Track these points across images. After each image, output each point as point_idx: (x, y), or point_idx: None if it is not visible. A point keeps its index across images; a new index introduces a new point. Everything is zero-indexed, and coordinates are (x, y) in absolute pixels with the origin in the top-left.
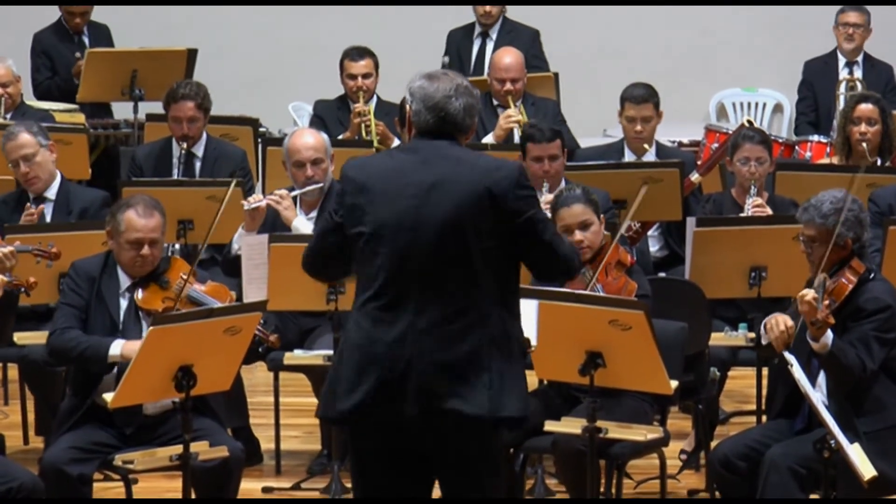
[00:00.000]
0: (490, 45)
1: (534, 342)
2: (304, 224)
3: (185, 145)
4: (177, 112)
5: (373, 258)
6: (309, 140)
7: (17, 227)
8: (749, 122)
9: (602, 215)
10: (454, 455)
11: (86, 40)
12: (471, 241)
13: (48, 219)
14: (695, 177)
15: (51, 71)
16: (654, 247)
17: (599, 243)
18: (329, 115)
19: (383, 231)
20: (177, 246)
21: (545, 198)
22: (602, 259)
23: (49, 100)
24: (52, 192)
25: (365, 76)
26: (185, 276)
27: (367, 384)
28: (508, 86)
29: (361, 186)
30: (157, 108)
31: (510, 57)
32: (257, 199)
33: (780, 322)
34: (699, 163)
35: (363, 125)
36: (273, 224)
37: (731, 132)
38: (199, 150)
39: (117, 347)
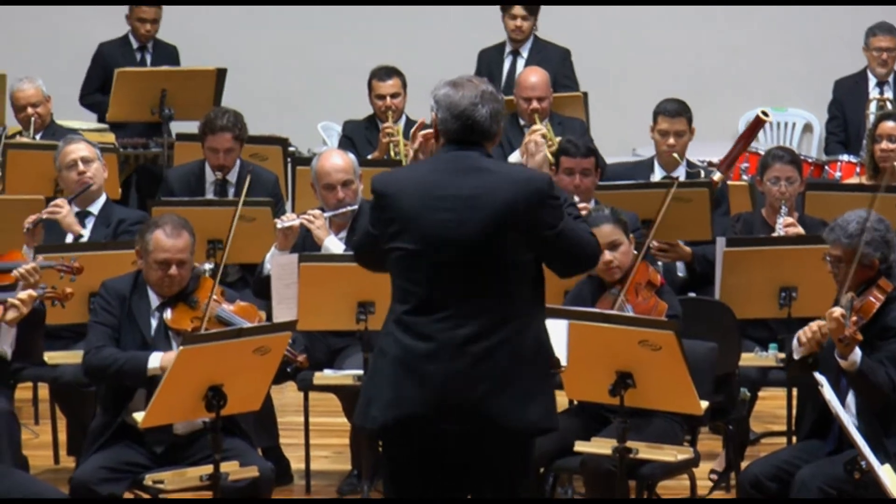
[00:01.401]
0: (521, 64)
1: (564, 362)
2: (335, 244)
3: (220, 175)
4: (213, 143)
5: (410, 271)
6: (338, 162)
7: (49, 247)
8: (764, 112)
9: (631, 235)
10: (489, 466)
11: (148, 58)
12: (506, 254)
13: (87, 233)
14: (717, 176)
15: (101, 82)
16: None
17: (629, 263)
18: (358, 135)
19: (420, 245)
20: (207, 266)
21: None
22: (631, 279)
23: (92, 111)
24: (95, 208)
25: (393, 96)
26: (213, 296)
27: (406, 397)
28: (534, 104)
29: (393, 200)
30: (186, 127)
31: (536, 76)
32: (290, 219)
33: (812, 325)
34: (719, 160)
35: (391, 145)
36: (304, 244)
37: (760, 151)
38: (233, 176)
39: (156, 360)
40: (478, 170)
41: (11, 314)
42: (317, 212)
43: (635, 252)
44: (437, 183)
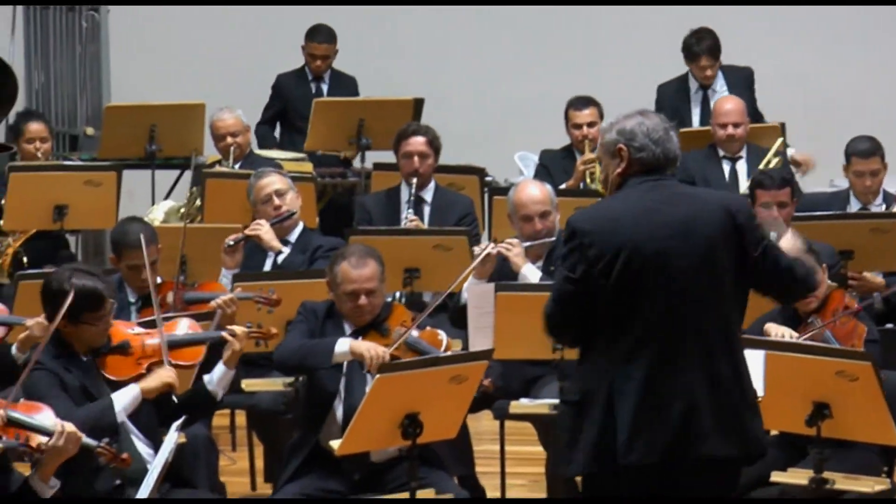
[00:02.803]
0: (714, 98)
1: (760, 392)
2: (532, 272)
3: (414, 182)
4: (407, 147)
5: (630, 305)
6: (535, 193)
7: (246, 276)
8: None
9: (824, 265)
10: (706, 492)
11: (324, 88)
12: (724, 279)
13: (279, 260)
14: None
15: (276, 112)
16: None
17: (824, 294)
18: (554, 165)
19: (639, 276)
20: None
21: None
22: (829, 307)
23: (264, 142)
24: (293, 236)
25: (590, 125)
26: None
27: (649, 437)
28: (730, 130)
29: (602, 234)
30: (383, 157)
31: (731, 103)
32: (488, 247)
33: None
34: None
35: (588, 173)
36: (500, 272)
37: None
38: (428, 195)
39: (345, 344)
40: (682, 195)
41: (228, 353)
42: (514, 240)
43: (832, 283)
44: (652, 209)
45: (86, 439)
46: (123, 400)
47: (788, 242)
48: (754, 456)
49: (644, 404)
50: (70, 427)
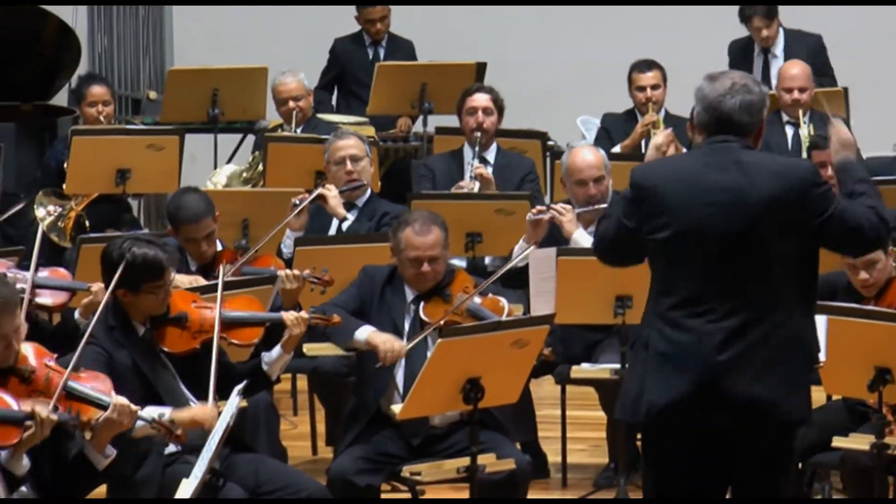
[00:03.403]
0: (772, 61)
1: (822, 357)
2: (584, 237)
3: (478, 136)
4: (472, 103)
5: (673, 265)
6: (590, 158)
7: (309, 240)
8: None
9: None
10: (755, 457)
11: (381, 53)
12: (770, 246)
13: (344, 227)
14: None
15: (333, 78)
16: None
17: (885, 279)
18: (616, 129)
19: (684, 238)
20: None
21: None
22: (889, 292)
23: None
24: (360, 201)
25: (653, 87)
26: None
27: (674, 389)
28: (796, 95)
29: (654, 192)
30: (445, 121)
31: (797, 68)
32: (541, 211)
33: None
34: None
35: (652, 135)
36: (552, 237)
37: None
38: (491, 156)
39: (364, 333)
40: (736, 163)
41: (286, 337)
42: (567, 206)
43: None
44: (700, 174)
45: (142, 413)
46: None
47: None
48: (769, 426)
49: (663, 366)
50: (124, 400)
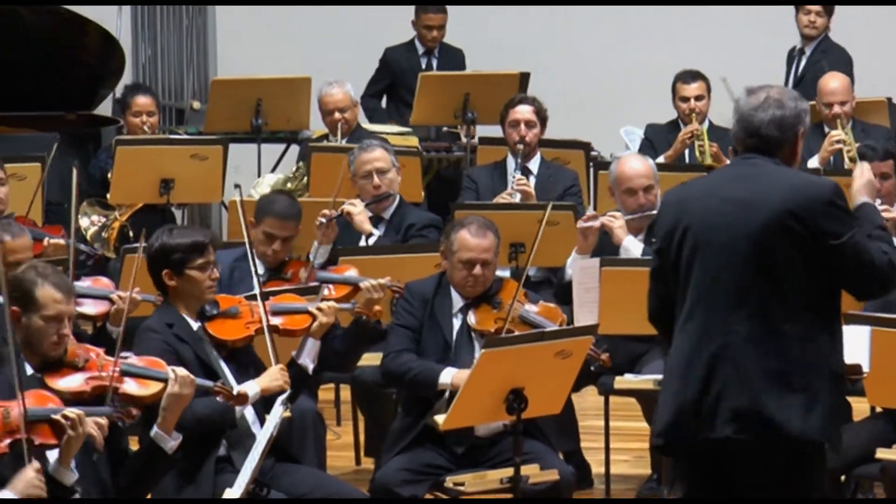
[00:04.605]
0: (803, 62)
1: (865, 368)
2: (633, 244)
3: (520, 148)
4: (514, 115)
5: (688, 278)
6: (638, 167)
7: (351, 250)
8: None
9: None
10: (768, 478)
11: (434, 62)
12: (779, 261)
13: (377, 236)
14: None
15: (384, 87)
16: None
17: None
18: (659, 139)
19: (698, 251)
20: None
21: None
22: None
23: (372, 116)
24: (387, 213)
25: (697, 98)
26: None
27: (679, 406)
28: (836, 109)
29: (679, 209)
30: (489, 131)
31: (836, 80)
32: (591, 218)
33: None
34: None
35: (697, 148)
36: (601, 246)
37: None
38: (534, 167)
39: (447, 376)
40: (759, 175)
41: (315, 325)
42: (617, 213)
43: None
44: (719, 187)
45: (200, 381)
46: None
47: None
48: (786, 444)
49: (679, 383)
50: (182, 370)
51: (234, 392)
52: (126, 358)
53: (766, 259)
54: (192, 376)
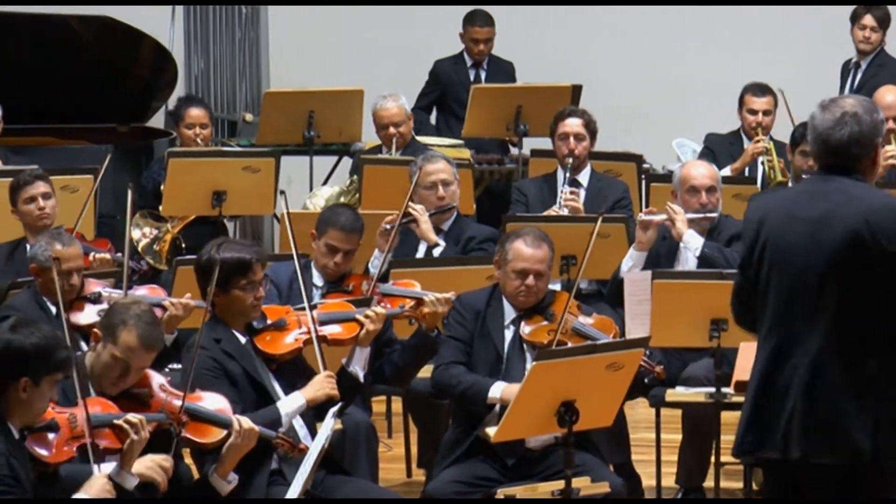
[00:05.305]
0: (859, 76)
1: None
2: (693, 238)
3: (569, 161)
4: (564, 128)
5: (766, 295)
6: (703, 170)
7: (408, 262)
8: None
9: None
10: (837, 498)
11: (483, 75)
12: (852, 281)
13: (435, 252)
14: None
15: (433, 99)
16: None
17: None
18: (721, 149)
19: (773, 268)
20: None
21: None
22: None
23: (420, 128)
24: (446, 225)
25: (765, 112)
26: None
27: (759, 423)
28: (891, 124)
29: (759, 223)
30: (541, 143)
31: (893, 94)
32: (652, 212)
33: None
34: None
35: (766, 163)
36: (657, 253)
37: None
38: (584, 179)
39: (497, 390)
40: (835, 192)
41: (362, 332)
42: (678, 207)
43: None
44: (798, 204)
45: (262, 430)
46: (289, 410)
47: None
48: (858, 465)
49: (759, 398)
50: (247, 423)
51: (296, 445)
52: (192, 391)
53: (840, 279)
54: (255, 428)
